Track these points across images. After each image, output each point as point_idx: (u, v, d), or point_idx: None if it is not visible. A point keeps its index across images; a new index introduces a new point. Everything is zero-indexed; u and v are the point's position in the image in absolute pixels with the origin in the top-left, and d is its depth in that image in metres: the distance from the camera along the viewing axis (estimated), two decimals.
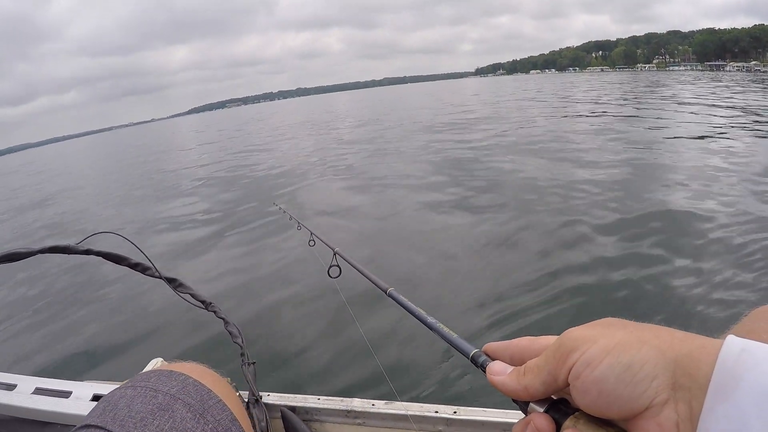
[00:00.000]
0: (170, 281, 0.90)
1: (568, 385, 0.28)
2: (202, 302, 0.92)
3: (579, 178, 5.37)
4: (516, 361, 0.33)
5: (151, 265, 0.88)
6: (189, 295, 0.92)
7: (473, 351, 0.35)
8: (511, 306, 2.63)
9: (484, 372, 0.34)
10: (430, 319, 0.41)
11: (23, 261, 0.75)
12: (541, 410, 0.30)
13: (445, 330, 0.38)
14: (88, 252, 0.81)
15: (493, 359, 0.34)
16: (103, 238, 0.94)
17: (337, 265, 0.80)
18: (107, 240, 0.89)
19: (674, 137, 7.71)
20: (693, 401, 0.24)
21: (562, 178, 5.45)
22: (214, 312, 0.92)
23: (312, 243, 1.04)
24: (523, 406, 0.31)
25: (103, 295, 3.88)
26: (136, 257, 0.88)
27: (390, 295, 0.52)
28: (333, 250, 0.82)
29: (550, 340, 0.32)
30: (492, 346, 0.35)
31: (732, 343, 0.24)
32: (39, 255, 0.75)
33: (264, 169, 8.85)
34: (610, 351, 0.26)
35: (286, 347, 2.47)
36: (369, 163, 8.03)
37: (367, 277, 0.62)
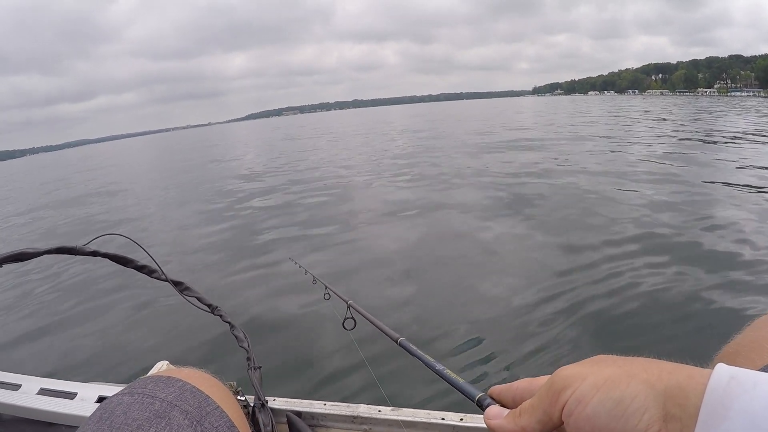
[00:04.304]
0: (176, 284, 0.90)
1: (563, 422, 0.29)
2: (209, 306, 0.92)
3: None
4: (518, 402, 0.34)
5: (157, 267, 0.87)
6: (195, 299, 0.92)
7: (479, 395, 0.37)
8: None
9: None
10: (438, 366, 0.44)
11: (30, 261, 0.75)
12: None
13: (453, 376, 0.41)
14: (94, 254, 0.81)
15: (498, 401, 0.36)
16: (111, 240, 0.94)
17: (352, 317, 0.82)
18: (116, 242, 0.89)
19: None
20: (685, 431, 0.24)
21: None
22: (220, 316, 0.92)
23: (327, 296, 1.05)
24: None
25: (109, 297, 3.90)
26: (142, 259, 0.88)
27: (401, 344, 0.56)
28: (347, 303, 0.84)
29: (546, 379, 0.32)
30: (496, 389, 0.37)
31: (721, 371, 0.24)
32: (46, 255, 0.75)
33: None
34: (600, 387, 0.27)
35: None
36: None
37: (379, 328, 0.65)
